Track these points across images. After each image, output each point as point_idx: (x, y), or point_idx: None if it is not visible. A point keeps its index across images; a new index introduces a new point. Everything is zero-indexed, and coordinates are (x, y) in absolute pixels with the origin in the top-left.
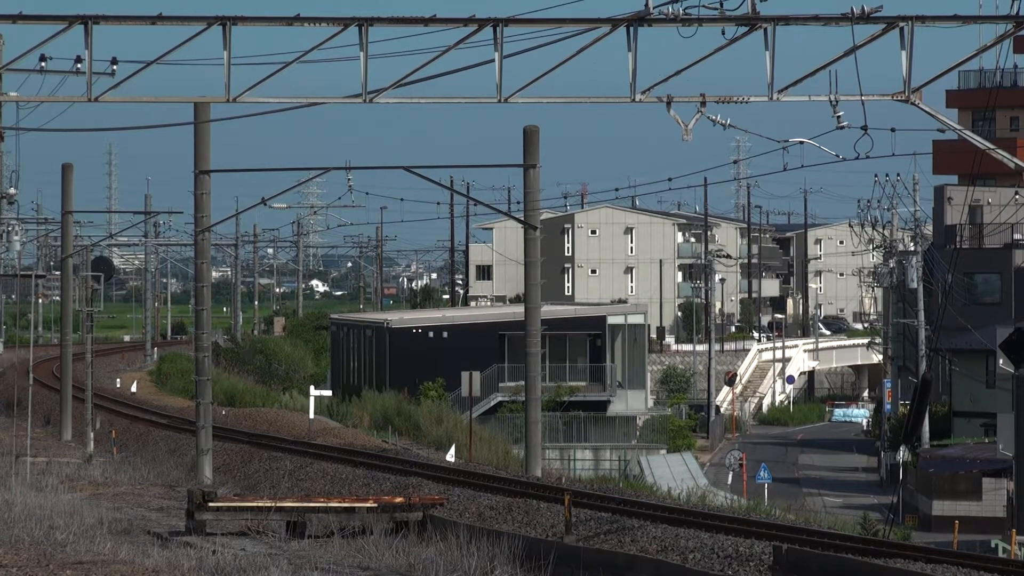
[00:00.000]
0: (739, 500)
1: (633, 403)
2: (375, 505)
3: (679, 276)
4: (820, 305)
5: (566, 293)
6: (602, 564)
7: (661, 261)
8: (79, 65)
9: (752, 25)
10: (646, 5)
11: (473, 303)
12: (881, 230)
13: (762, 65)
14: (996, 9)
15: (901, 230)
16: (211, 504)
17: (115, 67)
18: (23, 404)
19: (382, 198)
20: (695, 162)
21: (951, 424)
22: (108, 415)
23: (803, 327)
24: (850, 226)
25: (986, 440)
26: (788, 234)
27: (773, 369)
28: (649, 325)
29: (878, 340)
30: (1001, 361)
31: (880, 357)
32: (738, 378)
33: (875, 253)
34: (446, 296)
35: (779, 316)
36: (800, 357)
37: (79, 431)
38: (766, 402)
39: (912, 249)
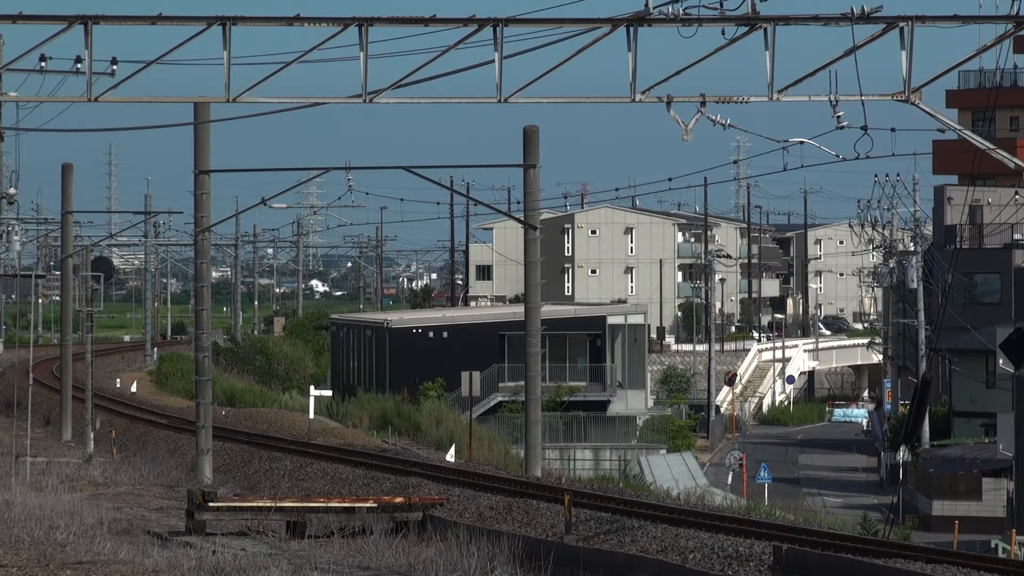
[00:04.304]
0: (738, 500)
1: (633, 403)
2: (375, 505)
3: (679, 276)
4: (820, 305)
5: (566, 293)
6: (602, 564)
7: (661, 261)
8: (79, 65)
9: (752, 25)
10: (646, 5)
11: (473, 303)
12: (881, 230)
13: (762, 65)
14: (996, 9)
15: (901, 230)
16: (211, 504)
17: (115, 67)
18: (23, 404)
19: (382, 198)
20: (695, 162)
21: (951, 424)
22: (108, 415)
23: (803, 327)
24: (850, 226)
25: (986, 440)
26: (788, 234)
27: (773, 369)
28: (649, 325)
29: (878, 340)
30: (1001, 361)
31: (880, 357)
32: (738, 378)
33: (875, 253)
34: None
35: (779, 316)
36: (800, 357)
37: (79, 431)
38: (766, 402)
39: (912, 249)
